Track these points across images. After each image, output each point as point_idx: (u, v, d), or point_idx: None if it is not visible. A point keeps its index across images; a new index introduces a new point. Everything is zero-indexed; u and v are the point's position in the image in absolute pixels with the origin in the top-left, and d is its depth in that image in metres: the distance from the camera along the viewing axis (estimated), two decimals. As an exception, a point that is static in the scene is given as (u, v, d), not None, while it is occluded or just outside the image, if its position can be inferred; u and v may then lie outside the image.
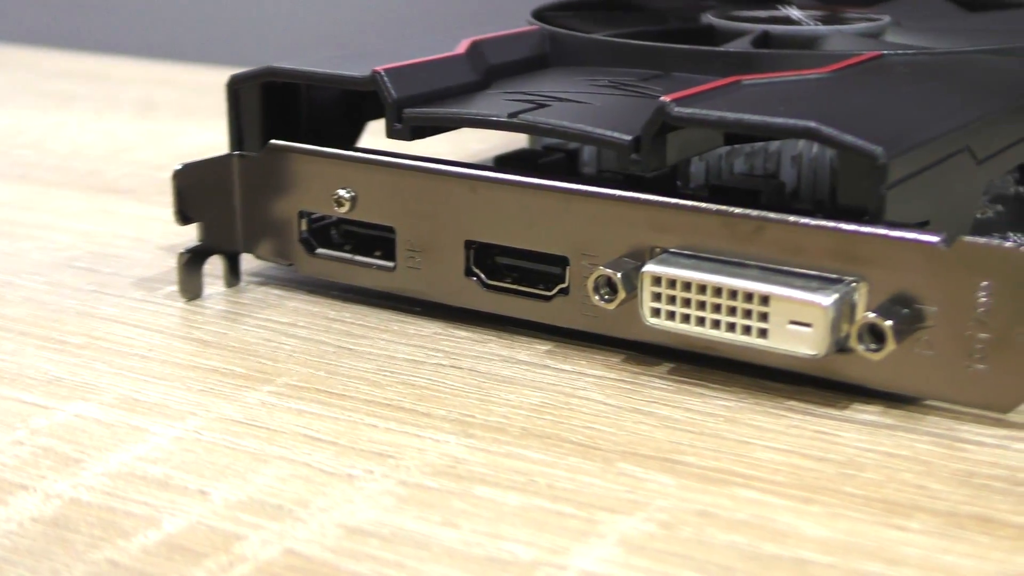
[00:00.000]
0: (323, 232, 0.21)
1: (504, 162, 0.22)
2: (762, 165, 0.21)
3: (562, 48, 0.23)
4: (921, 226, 0.16)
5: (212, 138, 0.31)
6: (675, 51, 0.21)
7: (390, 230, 0.20)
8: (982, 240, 0.15)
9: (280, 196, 0.20)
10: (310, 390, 0.17)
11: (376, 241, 0.20)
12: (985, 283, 0.15)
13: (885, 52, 0.21)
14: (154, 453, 0.15)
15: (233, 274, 0.21)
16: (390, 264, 0.20)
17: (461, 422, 0.16)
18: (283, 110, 0.21)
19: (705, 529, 0.13)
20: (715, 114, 0.17)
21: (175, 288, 0.20)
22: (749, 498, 0.14)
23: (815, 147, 0.21)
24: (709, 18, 0.25)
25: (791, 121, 0.16)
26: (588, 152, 0.23)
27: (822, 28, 0.23)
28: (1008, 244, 0.15)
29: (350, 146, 0.20)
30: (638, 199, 0.17)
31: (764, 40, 0.23)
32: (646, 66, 0.21)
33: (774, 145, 0.21)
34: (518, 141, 0.25)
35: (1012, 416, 0.16)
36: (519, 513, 0.14)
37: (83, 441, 0.15)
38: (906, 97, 0.18)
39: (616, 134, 0.17)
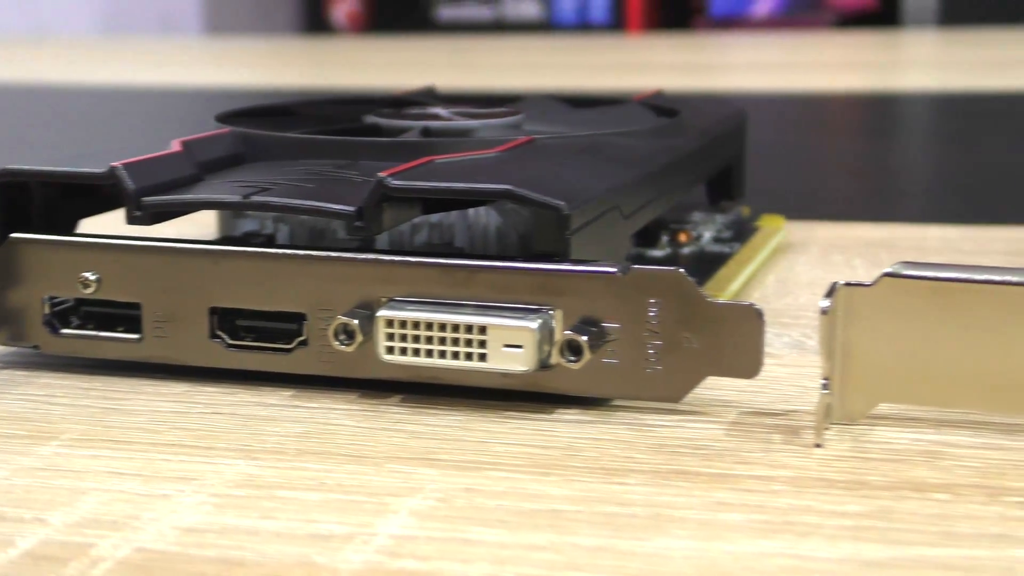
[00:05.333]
0: (63, 315, 0.23)
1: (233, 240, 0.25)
2: (439, 236, 0.25)
3: (256, 146, 0.26)
4: (600, 262, 0.20)
5: None
6: (362, 143, 0.25)
7: (135, 306, 0.22)
8: (648, 267, 0.20)
9: (22, 284, 0.22)
10: (95, 440, 0.19)
11: (117, 318, 0.22)
12: (654, 301, 0.19)
13: (535, 136, 0.25)
14: (-23, 497, 0.17)
15: (-24, 360, 0.23)
16: (136, 336, 0.22)
17: (243, 450, 0.19)
18: (15, 205, 0.23)
19: (475, 499, 0.17)
20: (426, 184, 0.21)
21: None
22: (501, 476, 0.18)
23: (484, 217, 0.25)
24: (373, 119, 0.28)
25: (491, 185, 0.20)
26: (282, 236, 0.26)
27: (472, 122, 0.28)
28: (668, 269, 0.19)
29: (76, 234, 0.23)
30: (366, 258, 0.21)
31: (427, 133, 0.27)
32: (335, 157, 0.25)
33: (450, 218, 0.25)
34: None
35: (682, 404, 0.20)
36: (322, 504, 0.17)
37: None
38: (566, 167, 0.23)
39: (342, 207, 0.21)
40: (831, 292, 0.19)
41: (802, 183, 0.46)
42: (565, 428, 0.19)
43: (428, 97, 0.33)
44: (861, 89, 0.81)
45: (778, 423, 0.19)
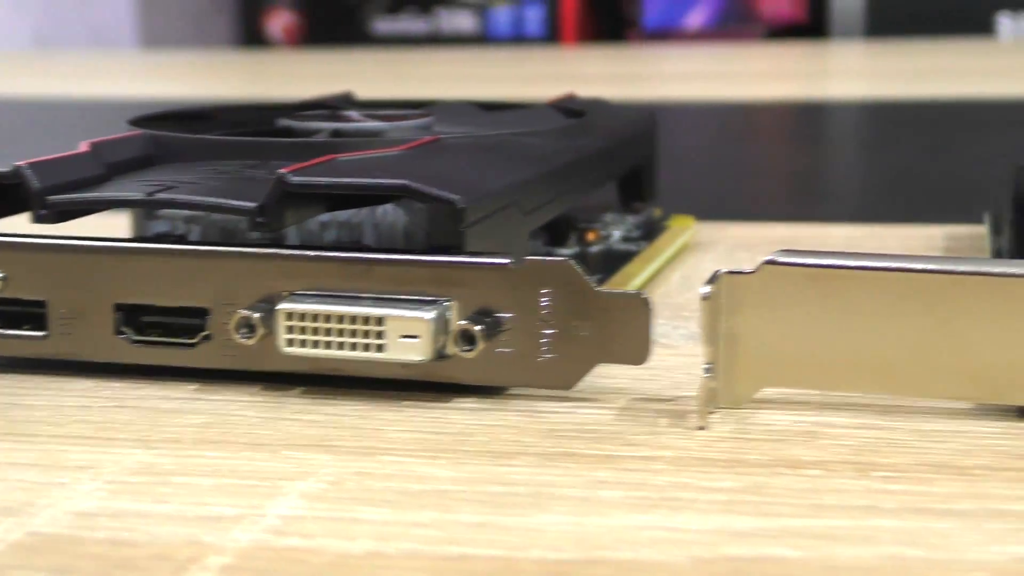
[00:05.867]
0: (-32, 314, 0.23)
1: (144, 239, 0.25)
2: (348, 234, 0.26)
3: (167, 148, 0.26)
4: (493, 254, 0.21)
5: None
6: (270, 144, 0.25)
7: (41, 304, 0.22)
8: (540, 258, 0.20)
9: (-71, 283, 0.22)
10: (-4, 434, 0.19)
11: (24, 316, 0.23)
12: (546, 290, 0.20)
13: (441, 136, 0.26)
14: None
15: None
16: (41, 333, 0.22)
17: (142, 440, 0.19)
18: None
19: (364, 482, 0.17)
20: (325, 180, 0.21)
21: None
22: (392, 460, 0.18)
23: (391, 215, 0.26)
24: (285, 121, 0.29)
25: (388, 181, 0.21)
26: (193, 236, 0.26)
27: (382, 124, 0.28)
28: (559, 259, 0.20)
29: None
30: (267, 253, 0.21)
31: (337, 134, 0.27)
32: (245, 158, 0.25)
33: (359, 216, 0.26)
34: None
35: (576, 391, 0.20)
36: (215, 489, 0.17)
37: None
38: (467, 165, 0.23)
39: (243, 203, 0.21)
40: (712, 280, 0.19)
41: (720, 186, 0.47)
42: (460, 415, 0.20)
43: (343, 102, 0.34)
44: (788, 97, 0.83)
45: (666, 408, 0.20)
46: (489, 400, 0.21)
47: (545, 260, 0.20)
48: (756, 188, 0.47)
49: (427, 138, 0.25)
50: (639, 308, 0.20)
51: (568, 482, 0.17)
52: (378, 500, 0.17)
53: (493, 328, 0.20)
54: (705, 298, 0.19)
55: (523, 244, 0.24)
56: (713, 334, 0.19)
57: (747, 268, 0.20)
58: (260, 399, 0.21)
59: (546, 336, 0.20)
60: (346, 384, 0.21)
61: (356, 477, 0.17)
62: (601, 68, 1.18)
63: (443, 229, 0.21)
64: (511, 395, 0.21)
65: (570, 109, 0.32)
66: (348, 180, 0.21)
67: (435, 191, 0.21)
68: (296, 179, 0.21)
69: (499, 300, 0.20)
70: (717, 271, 0.20)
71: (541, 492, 0.17)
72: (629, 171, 0.33)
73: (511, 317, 0.20)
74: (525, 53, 1.25)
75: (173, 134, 0.26)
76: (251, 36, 1.35)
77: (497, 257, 0.20)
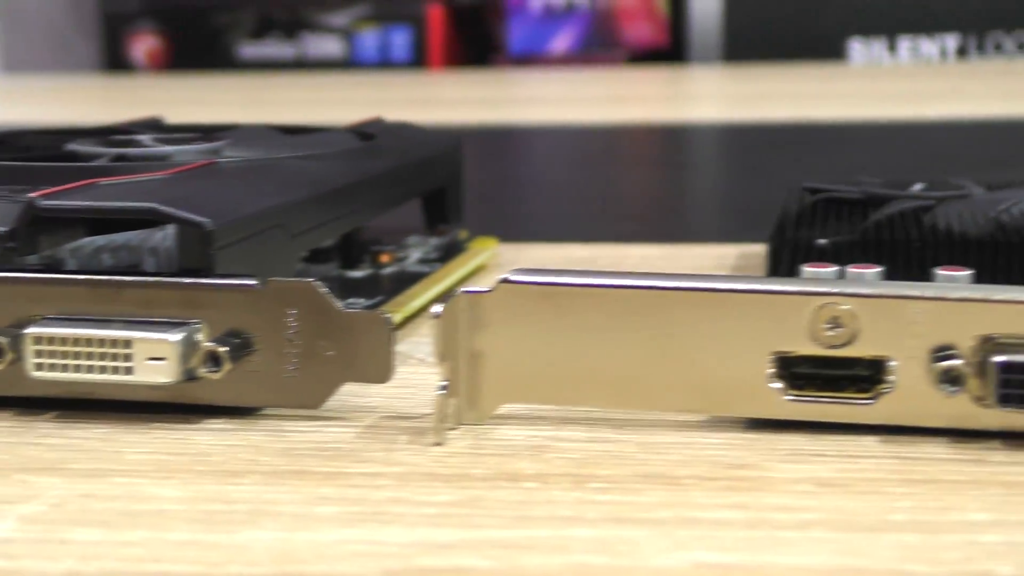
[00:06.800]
0: None
1: None
2: (127, 258, 0.26)
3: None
4: (240, 276, 0.21)
5: None
6: (40, 168, 0.25)
7: None
8: (285, 279, 0.20)
9: None
10: None
11: None
12: (292, 311, 0.20)
13: (216, 160, 0.26)
14: None
15: None
16: None
17: None
18: None
19: (87, 503, 0.17)
20: (72, 204, 0.21)
21: None
22: (123, 482, 0.18)
23: (169, 240, 0.26)
24: (72, 146, 0.29)
25: (135, 204, 0.21)
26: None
27: (168, 148, 0.28)
28: (303, 280, 0.20)
29: None
30: (15, 278, 0.21)
31: (122, 159, 0.27)
32: (16, 183, 0.25)
33: (136, 239, 0.26)
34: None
35: (326, 411, 0.21)
36: (-67, 513, 0.17)
37: None
38: (231, 188, 0.24)
39: (-7, 227, 0.21)
40: (448, 299, 0.20)
41: (548, 209, 0.47)
42: (204, 436, 0.20)
43: (146, 127, 0.34)
44: (638, 120, 0.84)
45: (410, 425, 0.20)
46: (238, 421, 0.21)
47: (289, 281, 0.20)
48: (568, 208, 0.48)
49: (201, 162, 0.26)
50: (381, 328, 0.20)
51: (290, 499, 0.17)
52: (94, 521, 0.17)
53: (240, 349, 0.20)
54: (436, 317, 0.20)
55: (292, 265, 0.24)
56: (450, 352, 0.20)
57: (486, 287, 0.20)
58: (8, 424, 0.21)
59: (293, 356, 0.20)
60: (98, 407, 0.21)
61: (80, 499, 0.18)
62: (465, 92, 1.18)
63: (193, 252, 0.21)
64: (261, 415, 0.21)
65: (364, 132, 0.32)
66: (96, 204, 0.21)
67: (183, 214, 0.21)
68: (45, 203, 0.21)
69: (247, 321, 0.21)
70: (455, 290, 0.20)
71: (260, 509, 0.17)
72: (430, 194, 0.33)
73: (258, 338, 0.21)
74: (391, 78, 1.25)
75: (-55, 159, 0.26)
76: (115, 61, 1.34)
77: (243, 278, 0.21)
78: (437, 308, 0.20)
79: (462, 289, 0.20)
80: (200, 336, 0.21)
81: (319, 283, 0.20)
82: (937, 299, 0.19)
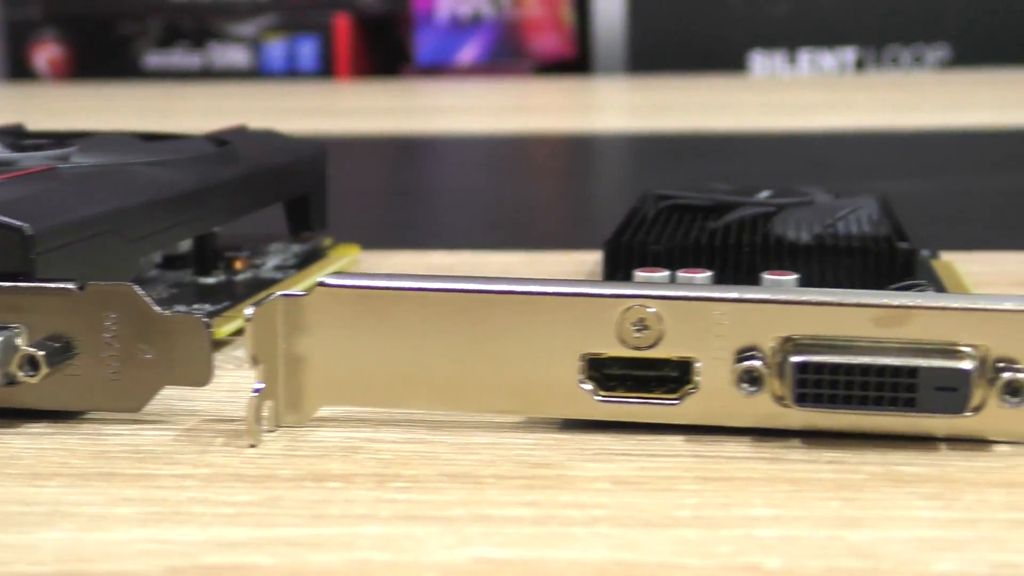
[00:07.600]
0: None
1: None
2: None
3: None
4: (59, 280, 0.21)
5: None
6: None
7: None
8: (104, 284, 0.20)
9: None
10: None
11: None
12: (112, 315, 0.20)
13: (55, 166, 0.26)
14: None
15: None
16: None
17: None
18: None
19: None
20: None
21: None
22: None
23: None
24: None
25: (-45, 209, 0.21)
26: None
27: (15, 154, 0.28)
28: (122, 284, 0.20)
29: None
30: None
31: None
32: None
33: None
34: None
35: (149, 414, 0.21)
36: None
37: None
38: (62, 193, 0.24)
39: None
40: (262, 302, 0.20)
41: (425, 216, 0.48)
42: (21, 440, 0.20)
43: (3, 133, 0.34)
44: (540, 130, 0.84)
45: (230, 428, 0.20)
46: (59, 424, 0.21)
47: (108, 285, 0.20)
48: (450, 217, 0.48)
49: (39, 167, 0.26)
50: (198, 331, 0.20)
51: (92, 500, 0.17)
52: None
53: (59, 353, 0.20)
54: (248, 320, 0.20)
55: (131, 270, 0.24)
56: (265, 354, 0.20)
57: (301, 291, 0.20)
58: None
59: (113, 360, 0.21)
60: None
61: None
62: (371, 102, 1.18)
63: (14, 256, 0.21)
64: (84, 419, 0.21)
65: (220, 139, 0.32)
66: (-88, 211, 0.21)
67: (2, 218, 0.21)
68: None
69: (67, 325, 0.21)
70: (270, 294, 0.20)
71: (59, 511, 0.17)
72: (293, 201, 0.33)
73: (78, 341, 0.21)
74: (300, 87, 1.25)
75: None
76: (17, 69, 1.32)
77: (61, 282, 0.21)
78: (249, 311, 0.20)
79: (279, 292, 0.20)
80: (19, 340, 0.20)
81: (137, 287, 0.20)
82: (739, 301, 0.19)
